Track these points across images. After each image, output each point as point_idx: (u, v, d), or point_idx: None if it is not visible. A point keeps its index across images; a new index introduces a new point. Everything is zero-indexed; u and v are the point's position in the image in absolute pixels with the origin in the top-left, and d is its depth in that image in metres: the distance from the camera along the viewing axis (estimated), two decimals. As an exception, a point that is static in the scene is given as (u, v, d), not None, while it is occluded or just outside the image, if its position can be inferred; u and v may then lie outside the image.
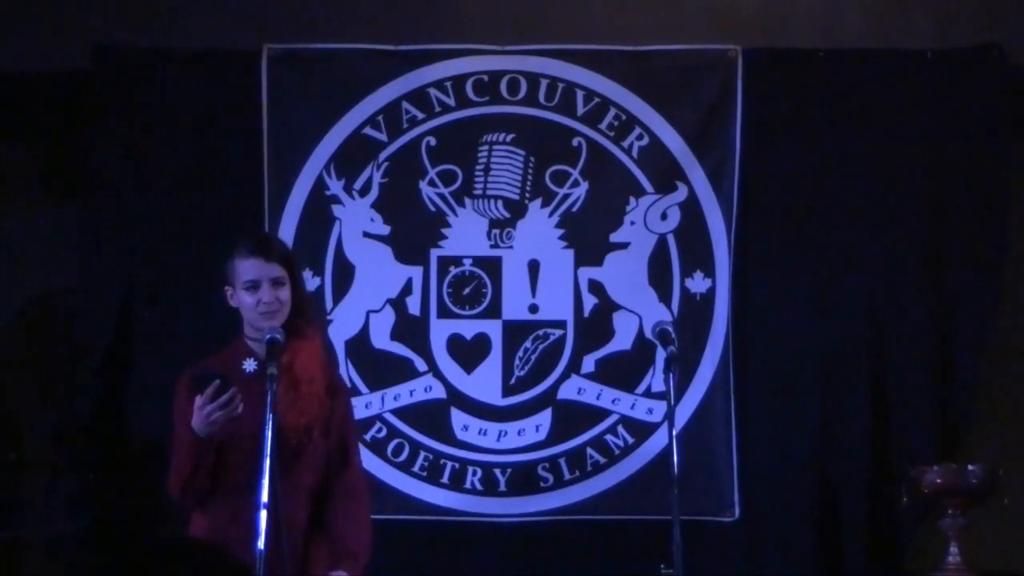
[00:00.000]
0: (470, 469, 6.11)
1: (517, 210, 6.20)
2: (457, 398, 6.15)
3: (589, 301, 6.18)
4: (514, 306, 6.17)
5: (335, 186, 6.17)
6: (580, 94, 6.21)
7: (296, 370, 4.70)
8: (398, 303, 6.17)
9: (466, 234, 6.18)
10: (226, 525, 4.60)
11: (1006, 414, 6.24)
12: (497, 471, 6.11)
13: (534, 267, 6.18)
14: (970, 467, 5.73)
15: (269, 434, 4.46)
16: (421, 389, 6.16)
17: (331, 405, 4.78)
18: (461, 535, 6.08)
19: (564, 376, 6.16)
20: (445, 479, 6.10)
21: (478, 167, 6.20)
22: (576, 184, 6.20)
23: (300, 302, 4.77)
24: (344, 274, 6.14)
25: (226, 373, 4.62)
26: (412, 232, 6.19)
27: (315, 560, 4.72)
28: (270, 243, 4.83)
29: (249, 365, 4.75)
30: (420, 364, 6.16)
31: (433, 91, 6.21)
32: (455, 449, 6.12)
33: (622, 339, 6.16)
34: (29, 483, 6.20)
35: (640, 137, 6.20)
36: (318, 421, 4.72)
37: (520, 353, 6.16)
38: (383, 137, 6.20)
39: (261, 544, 4.39)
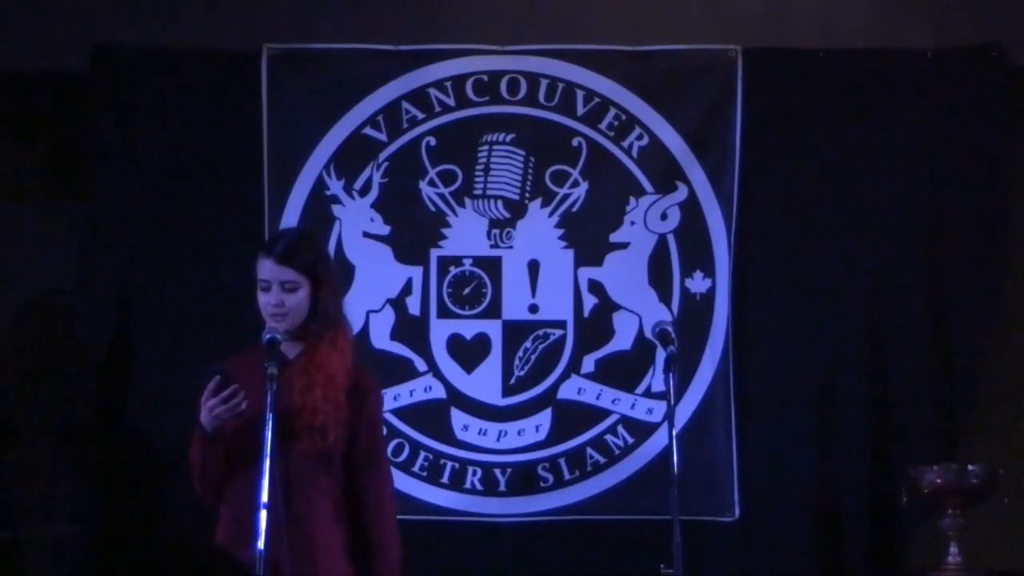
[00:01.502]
0: (470, 469, 6.11)
1: (517, 210, 6.20)
2: (457, 398, 6.15)
3: (589, 301, 6.18)
4: (514, 306, 6.17)
5: (335, 186, 6.17)
6: (580, 94, 6.21)
7: (313, 373, 4.68)
8: (398, 303, 6.17)
9: (466, 234, 6.18)
10: (243, 521, 4.60)
11: (1006, 414, 6.24)
12: (497, 471, 6.12)
13: (534, 267, 6.19)
14: (970, 467, 5.74)
15: (269, 435, 4.47)
16: (421, 389, 6.16)
17: (355, 408, 4.75)
18: (461, 535, 6.08)
19: (564, 376, 6.16)
20: (445, 479, 6.11)
21: (478, 167, 6.20)
22: (576, 184, 6.20)
23: (321, 307, 4.73)
24: (344, 274, 6.13)
25: (221, 366, 4.62)
26: (412, 232, 6.19)
27: (330, 563, 4.70)
28: (290, 246, 4.75)
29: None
30: (420, 364, 6.16)
31: (433, 91, 6.21)
32: (455, 449, 6.12)
33: (622, 339, 6.16)
34: (29, 483, 6.20)
35: (640, 137, 6.20)
36: (334, 424, 4.69)
37: (520, 353, 6.16)
38: (383, 137, 6.20)
39: (261, 544, 4.40)
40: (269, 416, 4.48)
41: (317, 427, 4.66)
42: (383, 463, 4.86)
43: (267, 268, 4.71)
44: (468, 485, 6.11)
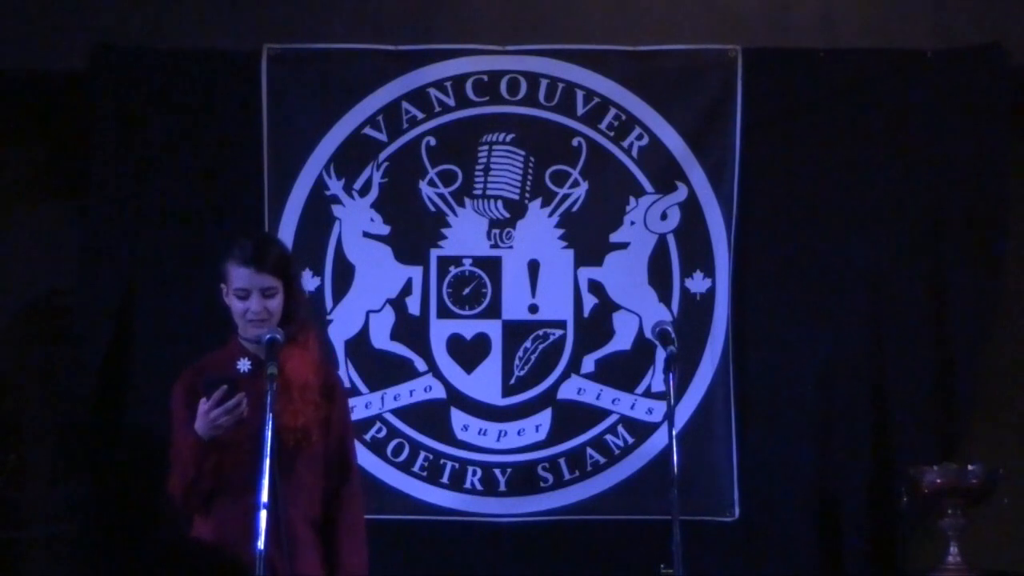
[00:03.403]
0: (470, 469, 6.11)
1: (517, 210, 6.20)
2: (457, 398, 6.15)
3: (589, 301, 6.18)
4: (514, 306, 6.17)
5: (335, 186, 6.17)
6: (580, 94, 6.21)
7: (287, 374, 4.70)
8: (398, 303, 6.16)
9: (466, 234, 6.18)
10: (227, 526, 4.60)
11: (1006, 414, 6.24)
12: (497, 471, 6.11)
13: (534, 267, 6.18)
14: (970, 467, 5.74)
15: (269, 434, 4.47)
16: (421, 389, 6.16)
17: (329, 405, 4.79)
18: (461, 535, 6.08)
19: (564, 376, 6.15)
20: (445, 479, 6.10)
21: (478, 167, 6.20)
22: (576, 184, 6.20)
23: (294, 308, 4.76)
24: (344, 274, 6.14)
25: (224, 375, 4.63)
26: (412, 232, 6.19)
27: (307, 563, 4.70)
28: (264, 252, 4.77)
29: (243, 365, 4.75)
30: (420, 364, 6.16)
31: (433, 91, 6.21)
32: (455, 449, 6.11)
33: (622, 339, 6.16)
34: (29, 483, 6.20)
35: (640, 137, 6.20)
36: (315, 424, 4.72)
37: (520, 353, 6.16)
38: (383, 137, 6.20)
39: (261, 544, 4.40)
40: (269, 416, 4.49)
41: (299, 428, 4.67)
42: (355, 465, 4.89)
43: (244, 276, 4.72)
44: (468, 485, 6.11)
